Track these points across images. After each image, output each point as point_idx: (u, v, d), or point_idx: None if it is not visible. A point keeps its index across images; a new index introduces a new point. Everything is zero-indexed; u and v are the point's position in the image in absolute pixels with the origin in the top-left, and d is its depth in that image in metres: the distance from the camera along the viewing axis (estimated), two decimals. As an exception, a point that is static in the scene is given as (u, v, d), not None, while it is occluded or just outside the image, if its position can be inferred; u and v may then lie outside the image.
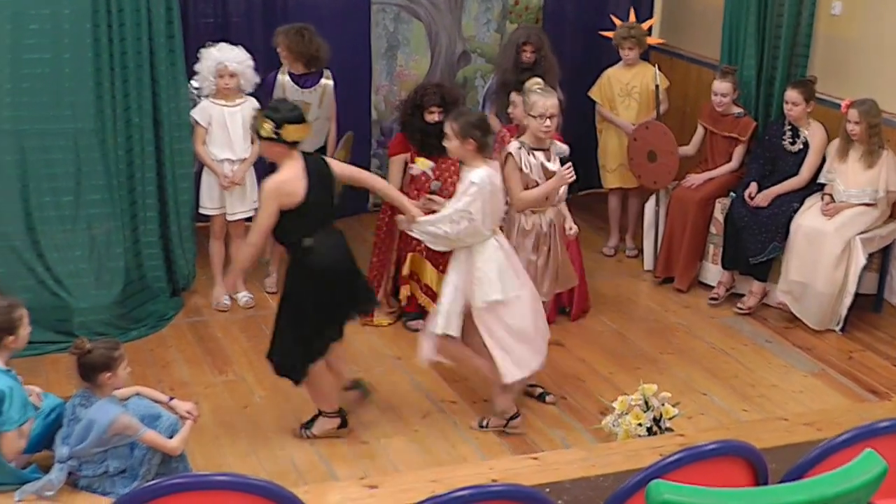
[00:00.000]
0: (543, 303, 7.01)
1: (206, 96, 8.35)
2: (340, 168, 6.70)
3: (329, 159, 6.76)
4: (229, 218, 8.48)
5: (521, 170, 6.77)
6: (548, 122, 6.70)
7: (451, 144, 6.59)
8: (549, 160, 6.83)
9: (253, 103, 8.26)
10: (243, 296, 8.62)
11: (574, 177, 6.78)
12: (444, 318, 6.67)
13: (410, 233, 6.83)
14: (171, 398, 6.10)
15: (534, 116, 6.77)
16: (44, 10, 7.71)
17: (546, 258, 6.92)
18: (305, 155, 6.47)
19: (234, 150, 8.32)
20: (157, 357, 7.77)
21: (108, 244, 8.02)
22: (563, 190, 6.90)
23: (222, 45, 8.34)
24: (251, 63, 8.33)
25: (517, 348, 6.72)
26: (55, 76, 7.80)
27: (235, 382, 7.48)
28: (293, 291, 6.52)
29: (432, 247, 6.85)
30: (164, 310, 8.38)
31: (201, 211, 8.51)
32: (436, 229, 6.61)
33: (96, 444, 5.71)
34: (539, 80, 7.02)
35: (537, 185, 6.84)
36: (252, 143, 8.26)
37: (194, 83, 8.45)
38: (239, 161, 8.34)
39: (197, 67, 8.30)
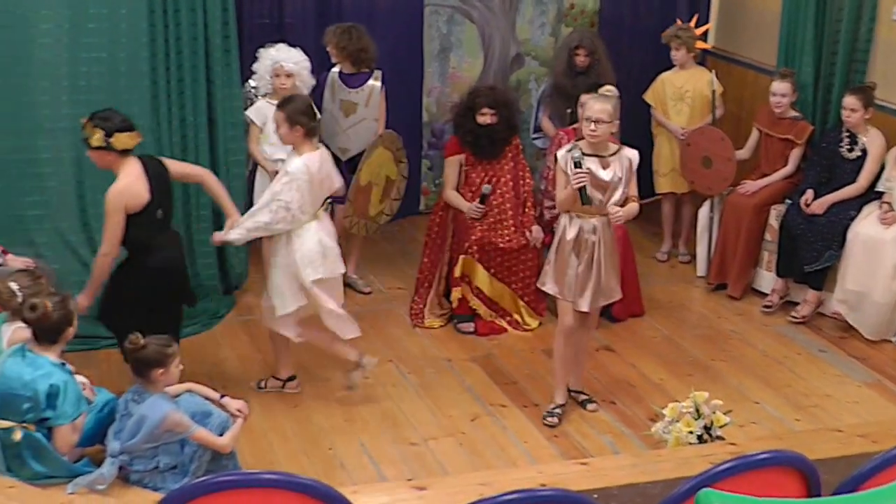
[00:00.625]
0: (584, 313, 6.94)
1: (263, 96, 8.37)
2: (174, 166, 6.93)
3: (166, 160, 6.96)
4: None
5: (565, 173, 6.69)
6: (593, 125, 6.60)
7: (281, 131, 6.89)
8: (604, 168, 6.67)
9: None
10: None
11: (581, 184, 6.59)
12: (279, 300, 7.00)
13: (229, 241, 7.08)
14: (223, 396, 6.11)
15: (584, 119, 6.72)
16: (102, 9, 7.79)
17: (588, 267, 6.78)
18: (142, 158, 6.67)
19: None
20: (209, 354, 7.80)
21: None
22: (615, 197, 6.70)
23: (280, 45, 8.35)
24: (308, 64, 8.34)
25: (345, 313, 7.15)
26: (112, 75, 7.87)
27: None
28: (129, 288, 6.69)
29: (245, 240, 7.13)
30: (216, 308, 8.43)
31: None
32: (254, 223, 6.88)
33: (147, 440, 5.73)
34: (612, 87, 6.97)
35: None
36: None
37: (252, 82, 8.48)
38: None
39: (255, 67, 8.33)
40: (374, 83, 8.62)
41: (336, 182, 7.17)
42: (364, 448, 6.69)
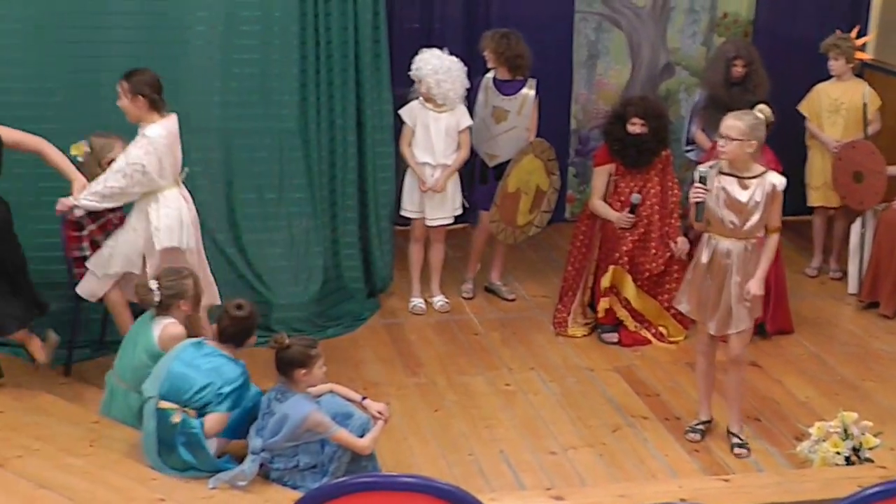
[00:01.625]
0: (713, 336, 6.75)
1: (419, 98, 8.38)
2: (6, 134, 6.76)
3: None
4: (428, 223, 8.50)
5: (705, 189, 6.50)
6: (722, 141, 6.39)
7: (123, 103, 6.76)
8: (742, 188, 6.41)
9: (462, 110, 8.30)
10: (439, 300, 8.67)
11: (698, 198, 6.39)
12: (112, 259, 6.89)
13: (78, 207, 6.81)
14: (364, 398, 6.15)
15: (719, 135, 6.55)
16: (255, 11, 7.89)
17: (718, 291, 6.56)
18: None
19: (434, 156, 8.34)
20: (351, 356, 7.84)
21: (307, 243, 8.15)
22: (751, 222, 6.42)
23: (436, 50, 8.36)
24: (463, 69, 8.35)
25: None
26: (263, 77, 7.97)
27: (427, 385, 7.50)
28: None
29: (101, 207, 6.87)
30: (359, 310, 8.46)
31: (402, 213, 8.56)
32: (104, 188, 6.72)
33: (289, 438, 5.80)
34: (764, 106, 6.70)
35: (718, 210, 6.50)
36: (457, 150, 8.31)
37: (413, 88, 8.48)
38: (439, 167, 8.36)
39: (412, 70, 8.33)
40: (528, 92, 8.57)
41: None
42: (503, 455, 6.66)
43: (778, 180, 6.47)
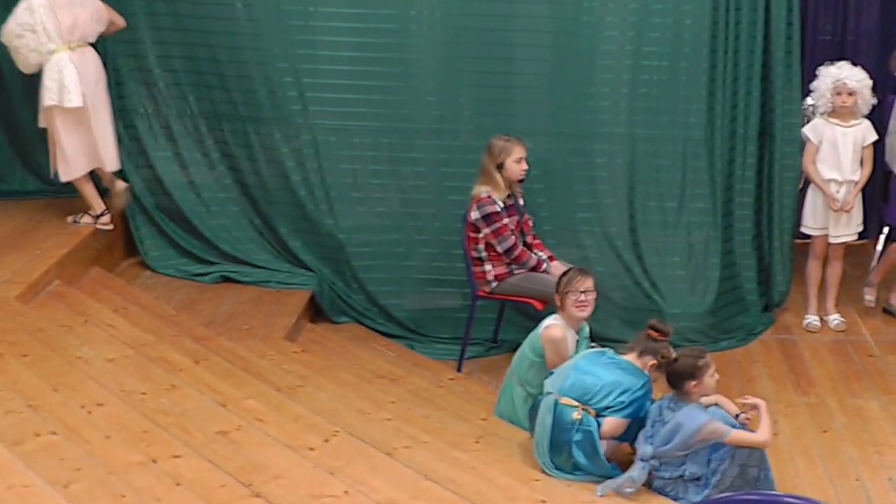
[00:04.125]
0: None
1: (821, 114, 8.30)
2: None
3: None
4: (832, 240, 8.39)
5: None
6: None
7: None
8: None
9: (868, 125, 8.17)
10: (834, 318, 8.53)
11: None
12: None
13: None
14: (738, 415, 6.16)
15: None
16: (667, 18, 7.99)
17: None
18: None
19: (842, 172, 8.20)
20: (743, 371, 7.81)
21: (705, 253, 8.19)
22: None
23: (842, 63, 8.26)
24: (869, 83, 8.19)
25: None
26: (671, 83, 8.06)
27: (817, 405, 7.38)
28: None
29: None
30: (753, 324, 8.41)
31: (803, 230, 8.45)
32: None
33: (681, 447, 5.82)
34: None
35: None
36: (861, 165, 8.20)
37: (809, 100, 8.43)
38: (846, 183, 8.23)
39: (813, 85, 8.26)
40: None
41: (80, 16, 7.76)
42: (892, 483, 6.44)
43: None
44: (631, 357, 6.18)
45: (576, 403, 6.01)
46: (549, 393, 6.10)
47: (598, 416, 6.02)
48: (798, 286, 8.70)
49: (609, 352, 6.27)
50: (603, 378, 6.05)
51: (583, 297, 6.58)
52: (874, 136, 8.22)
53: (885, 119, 8.42)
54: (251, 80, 8.13)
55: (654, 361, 6.05)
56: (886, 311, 8.74)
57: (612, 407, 6.02)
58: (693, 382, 5.90)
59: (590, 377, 6.07)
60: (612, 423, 6.03)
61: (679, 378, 5.92)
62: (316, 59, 8.09)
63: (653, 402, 6.15)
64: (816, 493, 6.18)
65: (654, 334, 6.16)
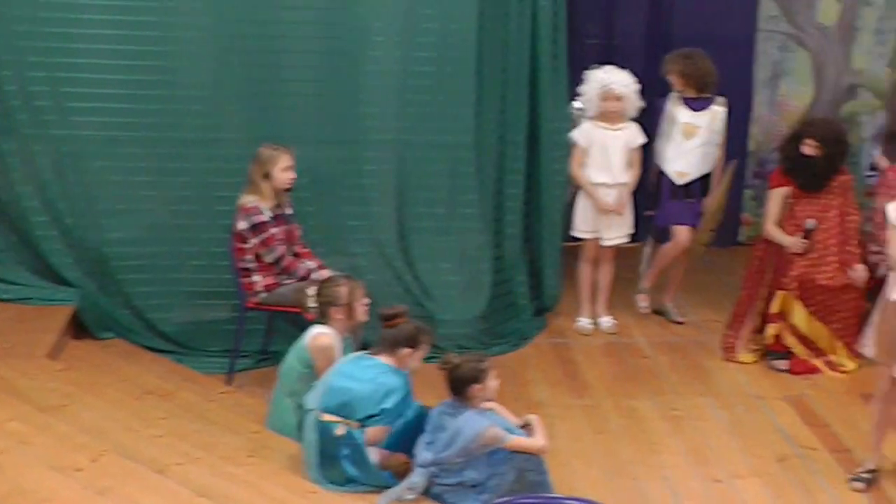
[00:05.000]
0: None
1: (590, 118, 8.38)
2: None
3: None
4: (605, 243, 8.47)
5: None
6: None
7: None
8: None
9: (636, 128, 8.28)
10: (606, 321, 8.63)
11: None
12: None
13: None
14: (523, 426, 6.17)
15: None
16: (433, 24, 7.94)
17: None
18: None
19: (613, 175, 8.32)
20: (517, 375, 7.81)
21: (476, 259, 8.17)
22: None
23: (609, 67, 8.35)
24: (637, 87, 8.32)
25: None
26: (439, 89, 8.02)
27: (592, 407, 7.45)
28: None
29: None
30: (526, 328, 8.45)
31: (575, 234, 8.52)
32: None
33: (461, 453, 5.82)
34: None
35: None
36: (630, 167, 8.29)
37: (576, 104, 8.51)
38: (617, 185, 8.33)
39: (582, 89, 8.34)
40: (718, 108, 8.49)
41: None
42: (667, 482, 6.56)
43: None
44: (384, 357, 6.12)
45: (337, 419, 5.95)
46: (310, 409, 6.02)
47: (362, 425, 5.97)
48: (570, 290, 8.77)
49: (364, 356, 6.20)
50: (362, 387, 6.00)
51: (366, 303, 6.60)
52: (642, 139, 8.35)
53: (655, 122, 8.54)
54: (3, 91, 7.75)
55: (409, 349, 6.07)
56: (658, 313, 8.87)
57: (375, 415, 5.98)
58: (478, 386, 5.91)
59: (348, 388, 6.00)
60: (375, 430, 6.00)
61: (463, 383, 5.92)
62: (76, 68, 7.75)
63: (423, 407, 6.14)
64: (594, 495, 6.23)
65: (389, 323, 6.14)
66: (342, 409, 5.96)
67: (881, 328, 6.42)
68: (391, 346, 6.07)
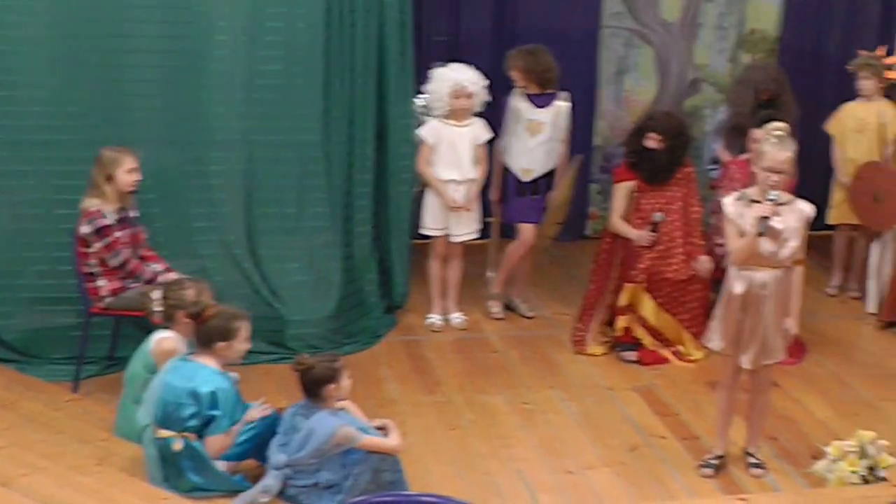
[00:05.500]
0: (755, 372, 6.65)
1: (436, 116, 8.37)
2: None
3: None
4: (454, 239, 8.48)
5: (736, 221, 6.34)
6: (775, 177, 6.21)
7: None
8: (777, 216, 6.24)
9: (482, 123, 8.32)
10: (457, 317, 8.65)
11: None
12: None
13: None
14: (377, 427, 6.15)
15: (762, 169, 6.30)
16: (279, 22, 7.87)
17: (755, 322, 6.43)
18: None
19: (461, 171, 8.34)
20: (368, 374, 7.78)
21: (325, 258, 8.12)
22: (786, 251, 6.31)
23: (457, 65, 8.36)
24: (485, 83, 8.34)
25: None
26: (286, 88, 7.95)
27: (444, 404, 7.46)
28: None
29: None
30: (377, 326, 8.43)
31: (423, 231, 8.51)
32: None
33: (315, 454, 5.79)
34: (781, 124, 6.45)
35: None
36: (478, 164, 8.32)
37: (420, 101, 8.50)
38: (466, 182, 8.36)
39: (428, 87, 8.33)
40: (562, 104, 8.55)
41: None
42: (521, 475, 6.62)
43: (809, 208, 6.40)
44: (204, 358, 6.04)
45: (173, 433, 5.86)
46: (146, 425, 5.93)
47: (199, 436, 5.89)
48: (420, 287, 8.76)
49: (184, 360, 6.09)
50: (188, 397, 5.89)
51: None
52: (488, 135, 8.39)
53: (499, 118, 8.60)
54: None
55: (224, 342, 5.98)
56: (508, 308, 8.92)
57: (210, 422, 5.90)
58: (332, 386, 5.89)
59: (177, 402, 5.89)
60: (216, 441, 5.93)
61: (317, 383, 5.89)
62: None
63: (277, 410, 6.11)
64: (448, 491, 6.22)
65: (199, 319, 6.04)
66: (175, 424, 5.87)
67: (726, 320, 6.53)
68: (206, 344, 5.98)
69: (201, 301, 6.29)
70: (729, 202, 6.40)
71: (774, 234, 6.26)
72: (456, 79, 8.24)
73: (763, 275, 6.38)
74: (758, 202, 6.30)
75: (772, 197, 6.22)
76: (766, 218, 6.19)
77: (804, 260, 6.57)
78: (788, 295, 6.49)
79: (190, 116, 7.83)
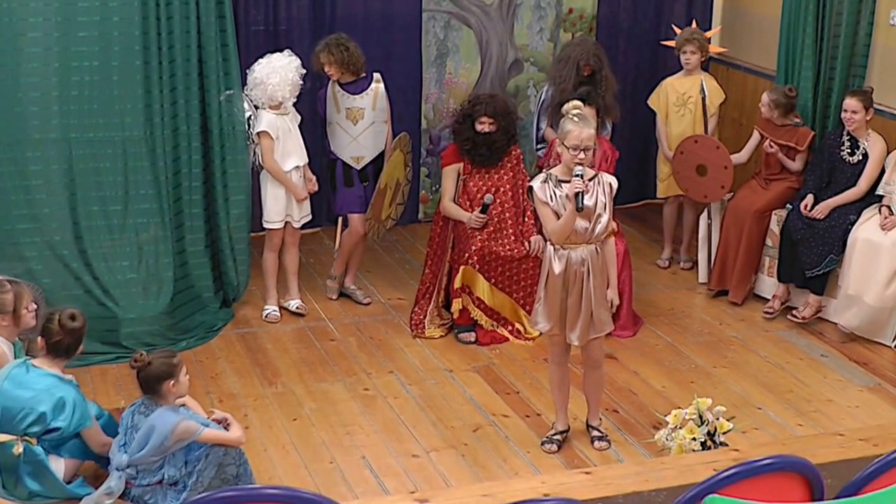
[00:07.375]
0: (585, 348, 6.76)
1: (264, 108, 8.22)
2: None
3: None
4: (295, 225, 8.42)
5: (547, 205, 6.42)
6: (581, 154, 6.29)
7: None
8: (587, 191, 6.34)
9: (294, 110, 8.30)
10: (295, 303, 8.59)
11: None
12: None
13: None
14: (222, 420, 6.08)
15: (567, 147, 6.36)
16: (93, 16, 7.68)
17: (578, 300, 6.53)
18: None
19: (301, 156, 8.30)
20: (206, 368, 7.72)
21: (156, 254, 7.98)
22: (600, 225, 6.44)
23: (276, 55, 8.25)
24: (302, 72, 8.26)
25: None
26: (104, 83, 7.77)
27: (285, 394, 7.42)
28: None
29: None
30: (212, 321, 8.32)
31: (268, 226, 8.38)
32: None
33: (157, 451, 5.73)
34: (579, 103, 6.57)
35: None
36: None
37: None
38: (303, 167, 8.34)
39: (252, 78, 8.18)
40: (377, 85, 8.54)
41: None
42: (365, 461, 6.63)
43: (612, 180, 6.53)
44: (46, 364, 5.93)
45: (13, 437, 5.72)
46: None
47: (40, 440, 5.78)
48: (255, 278, 8.67)
49: (29, 364, 5.97)
50: (32, 402, 5.79)
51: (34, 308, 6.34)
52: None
53: (315, 108, 8.60)
54: None
55: (170, 380, 5.85)
56: (343, 294, 8.88)
57: (52, 430, 5.78)
58: (171, 382, 5.83)
59: (18, 407, 5.77)
60: (91, 434, 5.92)
61: (156, 380, 5.82)
62: None
63: (109, 411, 6.11)
64: (293, 481, 6.25)
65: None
66: (15, 428, 5.73)
67: (549, 301, 6.59)
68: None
69: (21, 303, 6.15)
70: (536, 186, 6.45)
71: (587, 212, 6.36)
72: (286, 68, 8.10)
73: (580, 251, 6.48)
74: (566, 181, 6.38)
75: (578, 172, 6.31)
76: (580, 194, 6.28)
77: (617, 231, 6.68)
78: (606, 267, 6.60)
79: (4, 116, 7.61)
